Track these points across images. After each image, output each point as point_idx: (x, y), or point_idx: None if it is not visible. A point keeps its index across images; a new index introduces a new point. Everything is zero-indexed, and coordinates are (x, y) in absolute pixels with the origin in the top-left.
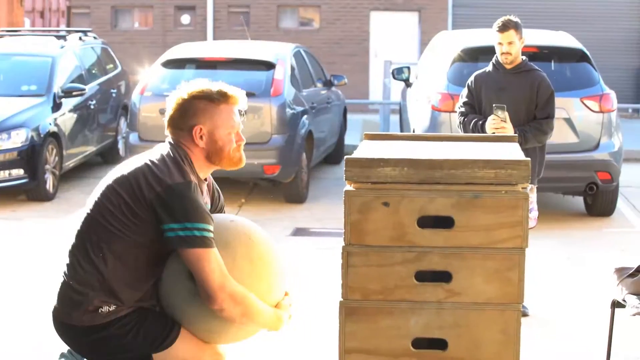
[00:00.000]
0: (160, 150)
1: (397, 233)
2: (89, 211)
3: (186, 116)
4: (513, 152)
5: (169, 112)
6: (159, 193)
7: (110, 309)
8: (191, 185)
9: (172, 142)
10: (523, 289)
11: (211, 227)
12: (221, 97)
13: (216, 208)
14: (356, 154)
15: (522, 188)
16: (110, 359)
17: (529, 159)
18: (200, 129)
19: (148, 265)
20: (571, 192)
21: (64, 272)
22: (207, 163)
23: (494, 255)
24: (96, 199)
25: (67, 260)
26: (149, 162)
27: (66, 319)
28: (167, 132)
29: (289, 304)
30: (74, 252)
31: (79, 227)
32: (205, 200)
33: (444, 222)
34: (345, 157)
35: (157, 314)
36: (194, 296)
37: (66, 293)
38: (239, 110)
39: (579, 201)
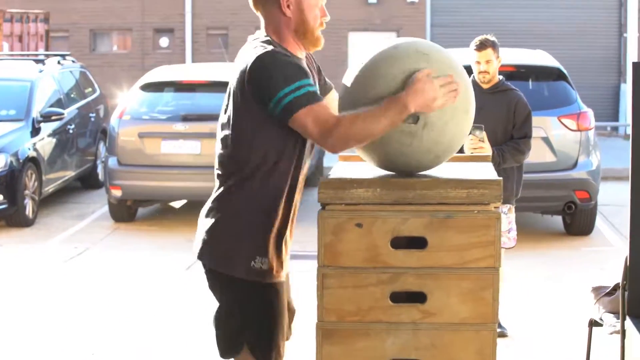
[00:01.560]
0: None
1: (371, 254)
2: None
3: None
4: (485, 171)
5: None
6: (246, 72)
7: (263, 267)
8: (275, 51)
9: (257, 37)
10: (498, 309)
11: (299, 83)
12: None
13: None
14: (329, 176)
15: (495, 207)
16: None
17: (500, 178)
18: None
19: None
20: (550, 211)
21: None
22: (295, 39)
23: (468, 275)
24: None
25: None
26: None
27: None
28: (254, 8)
29: (426, 74)
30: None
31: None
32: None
33: (418, 243)
34: (320, 178)
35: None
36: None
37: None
38: None
39: (557, 220)
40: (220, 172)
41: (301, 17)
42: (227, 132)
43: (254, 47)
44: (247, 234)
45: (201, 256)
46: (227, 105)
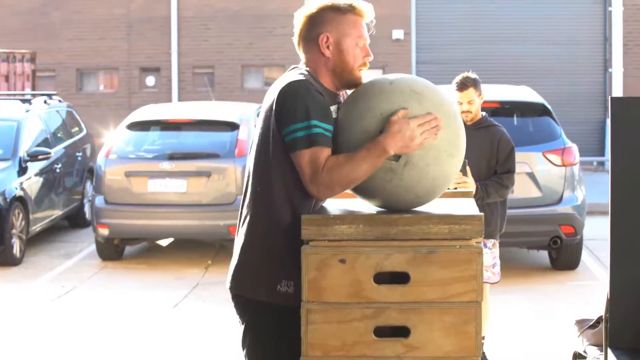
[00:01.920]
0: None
1: (354, 289)
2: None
3: (314, 26)
4: (467, 207)
5: (298, 27)
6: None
7: (289, 290)
8: (309, 84)
9: (298, 66)
10: (480, 342)
11: (312, 122)
12: (349, 7)
13: None
14: (313, 212)
15: (476, 242)
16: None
17: (482, 214)
18: (327, 37)
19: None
20: (535, 246)
21: (241, 243)
22: (333, 78)
23: (451, 309)
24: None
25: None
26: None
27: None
28: (297, 48)
29: (401, 115)
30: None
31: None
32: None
33: (401, 278)
34: (302, 215)
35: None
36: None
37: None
38: (367, 24)
39: (543, 255)
40: (246, 199)
41: (340, 57)
42: (253, 157)
43: (291, 74)
44: (272, 258)
45: (230, 284)
46: (257, 134)
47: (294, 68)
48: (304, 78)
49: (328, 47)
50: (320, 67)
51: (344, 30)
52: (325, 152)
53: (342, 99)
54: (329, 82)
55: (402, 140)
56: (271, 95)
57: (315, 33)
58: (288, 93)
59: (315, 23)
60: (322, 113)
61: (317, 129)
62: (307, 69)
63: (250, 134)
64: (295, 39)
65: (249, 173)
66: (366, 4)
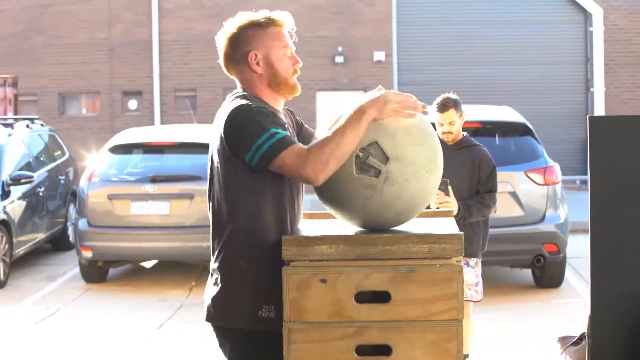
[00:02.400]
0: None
1: (336, 309)
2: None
3: (238, 46)
4: (447, 226)
5: (222, 50)
6: (224, 127)
7: (271, 315)
8: (249, 105)
9: (236, 91)
10: None
11: (271, 131)
12: (268, 20)
13: (306, 137)
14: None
15: (456, 261)
16: None
17: (461, 232)
18: (255, 55)
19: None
20: (519, 264)
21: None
22: (271, 92)
23: (432, 327)
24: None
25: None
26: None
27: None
28: (226, 72)
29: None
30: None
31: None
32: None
33: (382, 297)
34: (283, 236)
35: None
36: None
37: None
38: (289, 32)
39: (527, 273)
40: (215, 232)
41: (272, 70)
42: (214, 191)
43: (230, 102)
44: (250, 285)
45: (209, 317)
46: (211, 166)
47: (233, 94)
48: (243, 102)
49: (258, 64)
50: (256, 85)
51: (269, 44)
52: (297, 144)
53: (282, 114)
54: (270, 97)
55: (376, 102)
56: (217, 130)
57: (241, 53)
58: (234, 120)
59: (239, 43)
60: (275, 123)
61: (279, 134)
62: (245, 93)
63: None
64: (222, 62)
65: (214, 210)
66: (284, 13)
